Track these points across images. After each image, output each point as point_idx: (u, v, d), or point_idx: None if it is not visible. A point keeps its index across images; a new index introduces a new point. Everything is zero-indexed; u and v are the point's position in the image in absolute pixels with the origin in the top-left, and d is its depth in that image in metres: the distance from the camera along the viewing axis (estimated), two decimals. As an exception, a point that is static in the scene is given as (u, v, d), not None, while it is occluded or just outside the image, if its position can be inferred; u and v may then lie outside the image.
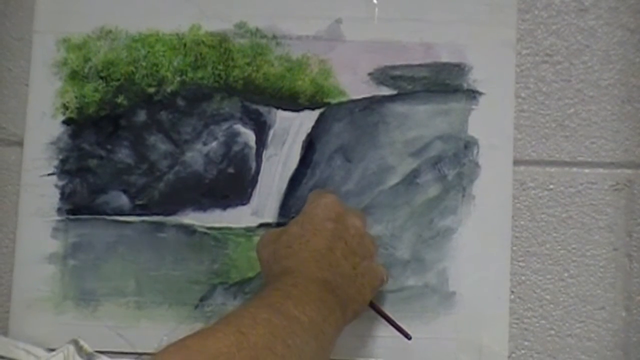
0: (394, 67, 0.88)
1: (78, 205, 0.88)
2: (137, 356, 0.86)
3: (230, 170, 0.88)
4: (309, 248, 0.74)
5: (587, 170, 0.87)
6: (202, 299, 0.86)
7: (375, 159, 0.87)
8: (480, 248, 0.86)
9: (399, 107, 0.87)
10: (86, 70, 0.89)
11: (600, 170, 0.87)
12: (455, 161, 0.87)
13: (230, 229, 0.87)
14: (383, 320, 0.83)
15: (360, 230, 0.78)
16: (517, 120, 0.87)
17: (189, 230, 0.87)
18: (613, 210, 0.87)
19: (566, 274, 0.86)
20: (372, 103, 0.88)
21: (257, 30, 0.88)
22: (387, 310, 0.83)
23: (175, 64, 0.88)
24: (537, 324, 0.86)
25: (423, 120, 0.87)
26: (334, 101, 0.88)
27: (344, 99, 0.88)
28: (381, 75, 0.88)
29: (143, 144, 0.88)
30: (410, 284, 0.86)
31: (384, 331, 0.85)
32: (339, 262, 0.75)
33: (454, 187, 0.87)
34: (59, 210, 0.88)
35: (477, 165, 0.87)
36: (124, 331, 0.86)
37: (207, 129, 0.88)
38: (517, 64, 0.88)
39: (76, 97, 0.88)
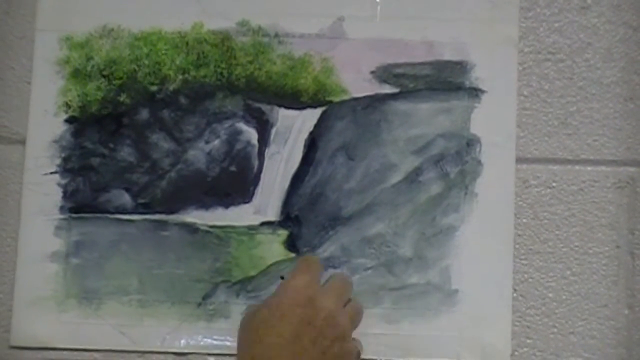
0: (396, 65, 0.88)
1: (80, 203, 0.88)
2: (140, 354, 0.86)
3: (233, 168, 0.88)
4: (274, 334, 0.73)
5: (589, 168, 0.87)
6: (204, 297, 0.86)
7: (377, 157, 0.87)
8: (482, 246, 0.86)
9: (402, 105, 0.87)
10: (88, 68, 0.89)
11: (603, 168, 0.87)
12: (457, 159, 0.87)
13: (232, 227, 0.87)
14: (385, 317, 0.83)
15: (332, 312, 0.75)
16: (520, 118, 0.87)
17: (192, 228, 0.87)
18: (615, 208, 0.87)
19: (569, 272, 0.86)
20: (374, 101, 0.88)
21: (260, 28, 0.88)
22: (390, 307, 0.83)
23: (177, 62, 0.88)
24: (540, 322, 0.86)
25: (425, 118, 0.87)
26: (336, 99, 0.88)
27: (346, 97, 0.88)
28: (383, 73, 0.88)
29: (145, 142, 0.88)
30: (412, 281, 0.86)
31: (386, 329, 0.85)
32: (306, 350, 0.73)
33: (456, 185, 0.87)
34: (62, 208, 0.88)
35: (479, 163, 0.87)
36: (126, 329, 0.86)
37: (210, 127, 0.88)
38: (520, 62, 0.88)
39: (78, 96, 0.88)
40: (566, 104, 0.87)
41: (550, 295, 0.86)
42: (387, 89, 0.88)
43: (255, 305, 0.79)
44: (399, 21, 0.88)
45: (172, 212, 0.87)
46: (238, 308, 0.86)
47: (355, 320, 0.80)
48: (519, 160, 0.87)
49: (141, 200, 0.88)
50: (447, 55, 0.88)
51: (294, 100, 0.88)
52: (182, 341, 0.86)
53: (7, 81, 0.89)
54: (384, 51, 0.88)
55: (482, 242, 0.86)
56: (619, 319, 0.86)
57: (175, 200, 0.87)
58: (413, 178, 0.87)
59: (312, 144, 0.88)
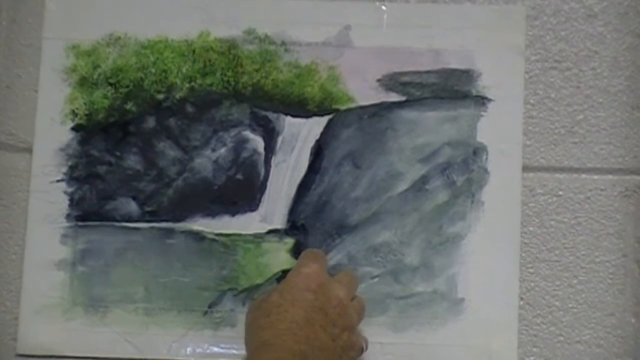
0: (402, 74, 0.88)
1: (87, 211, 0.88)
2: (146, 362, 0.86)
3: (239, 176, 0.88)
4: (287, 319, 0.73)
5: (596, 177, 0.87)
6: (210, 305, 0.86)
7: (384, 165, 0.87)
8: (489, 254, 0.86)
9: (408, 114, 0.87)
10: (95, 76, 0.89)
11: (609, 176, 0.87)
12: (464, 167, 0.87)
13: (239, 235, 0.87)
14: (391, 326, 0.83)
15: (342, 302, 0.76)
16: (526, 127, 0.87)
17: (198, 236, 0.87)
18: (622, 217, 0.86)
19: (575, 280, 0.86)
20: (380, 109, 0.88)
21: (266, 36, 0.88)
22: (397, 316, 0.83)
23: (184, 70, 0.88)
24: (546, 330, 0.86)
25: (432, 126, 0.87)
26: (342, 107, 0.88)
27: (352, 105, 0.88)
28: (390, 82, 0.88)
29: (152, 151, 0.88)
30: (419, 290, 0.86)
31: (392, 337, 0.85)
32: (317, 335, 0.73)
33: (462, 193, 0.86)
34: (68, 216, 0.88)
35: (486, 171, 0.87)
36: (132, 337, 0.86)
37: (216, 135, 0.88)
38: (526, 70, 0.88)
39: (85, 104, 0.89)
40: (573, 112, 0.87)
41: (557, 303, 0.86)
42: (394, 97, 0.88)
43: (259, 296, 0.79)
44: (405, 29, 0.88)
45: (178, 220, 0.87)
46: (244, 316, 0.86)
47: (360, 315, 0.80)
48: (526, 168, 0.87)
49: (147, 209, 0.88)
50: (454, 64, 0.88)
51: (301, 108, 0.88)
52: (188, 349, 0.86)
53: (14, 89, 0.89)
54: (390, 59, 0.88)
55: (489, 251, 0.86)
56: (626, 328, 0.86)
57: (182, 209, 0.87)
58: (419, 186, 0.87)
59: (318, 152, 0.88)
